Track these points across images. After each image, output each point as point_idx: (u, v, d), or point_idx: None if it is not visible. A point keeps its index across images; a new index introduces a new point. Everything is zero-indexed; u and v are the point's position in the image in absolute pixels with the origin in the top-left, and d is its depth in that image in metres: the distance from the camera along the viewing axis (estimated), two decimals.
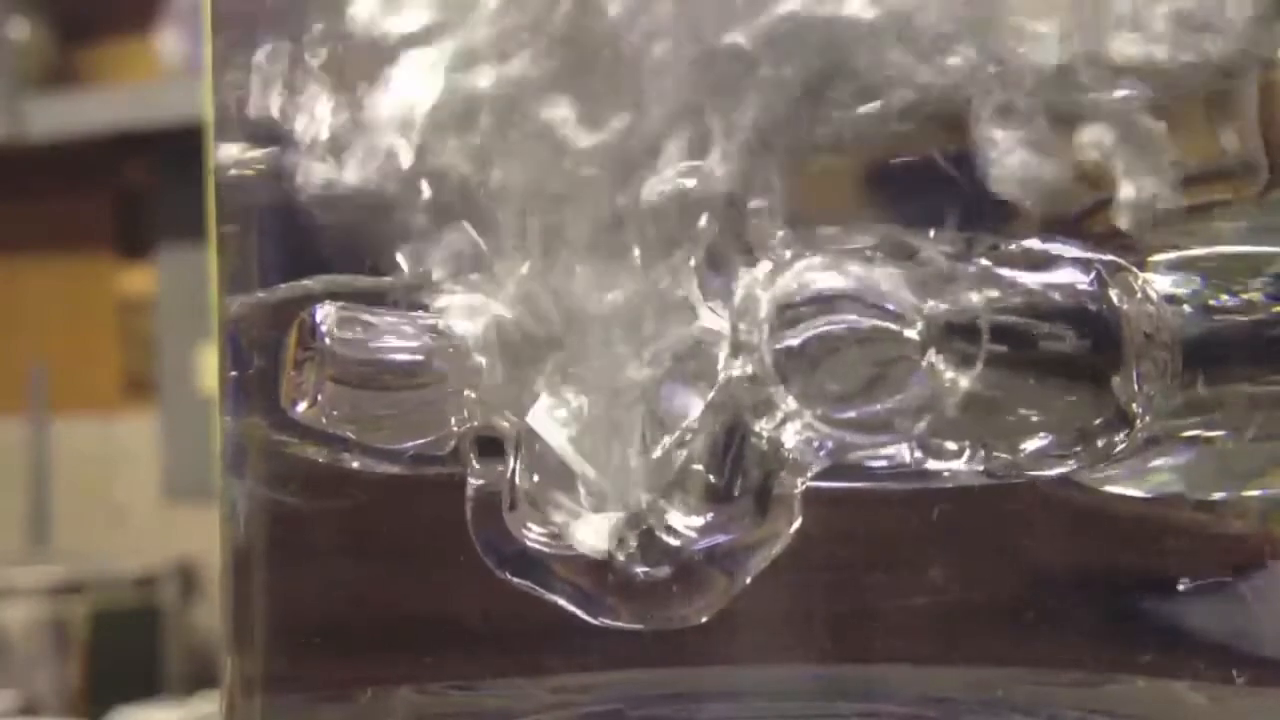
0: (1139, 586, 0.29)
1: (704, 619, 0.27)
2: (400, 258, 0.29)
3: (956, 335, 0.26)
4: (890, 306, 0.26)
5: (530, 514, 0.27)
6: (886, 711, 0.29)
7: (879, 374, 0.26)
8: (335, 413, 0.29)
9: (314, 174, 0.29)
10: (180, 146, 1.39)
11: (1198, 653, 0.29)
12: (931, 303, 0.26)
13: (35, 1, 1.80)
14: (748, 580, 0.27)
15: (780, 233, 0.27)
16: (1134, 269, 0.27)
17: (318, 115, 0.29)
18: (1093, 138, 0.27)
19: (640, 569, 0.27)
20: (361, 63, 0.29)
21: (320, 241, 0.29)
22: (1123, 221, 0.27)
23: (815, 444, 0.27)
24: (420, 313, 0.28)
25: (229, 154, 0.31)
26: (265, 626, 0.31)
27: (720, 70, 0.27)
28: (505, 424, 0.28)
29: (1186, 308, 0.28)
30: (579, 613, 0.28)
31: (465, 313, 0.28)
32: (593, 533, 0.27)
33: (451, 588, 0.29)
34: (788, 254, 0.27)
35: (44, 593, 1.58)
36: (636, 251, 0.27)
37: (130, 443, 1.80)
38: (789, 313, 0.26)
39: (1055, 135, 0.27)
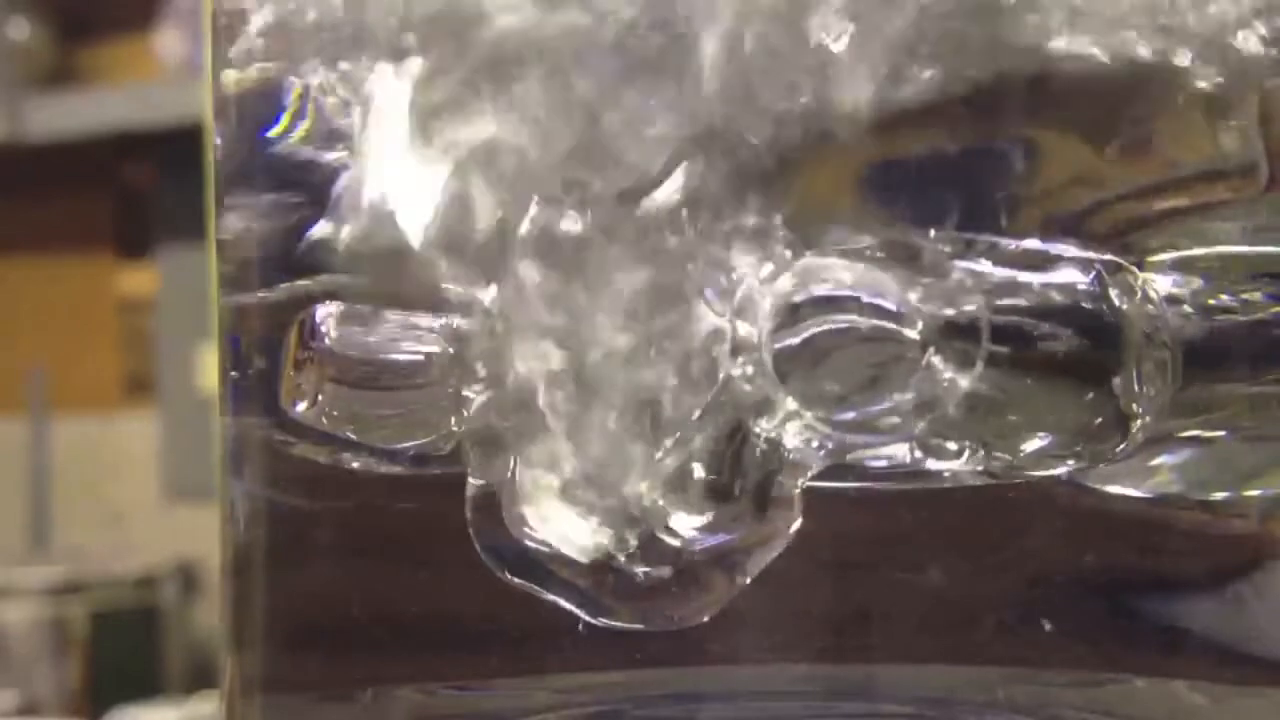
0: (1139, 586, 0.29)
1: (704, 619, 0.27)
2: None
3: (956, 335, 0.26)
4: (890, 306, 0.26)
5: (530, 514, 0.27)
6: (886, 711, 0.29)
7: (879, 374, 0.26)
8: (335, 413, 0.29)
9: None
10: (180, 146, 1.39)
11: (1198, 653, 0.29)
12: (931, 303, 0.26)
13: (35, 1, 1.80)
14: (748, 580, 0.27)
15: (780, 233, 0.27)
16: (1134, 269, 0.27)
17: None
18: None
19: (640, 569, 0.27)
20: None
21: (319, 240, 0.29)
22: None
23: (815, 444, 0.27)
24: (420, 313, 0.28)
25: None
26: (265, 626, 0.31)
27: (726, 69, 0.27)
28: (505, 424, 0.28)
29: (1186, 308, 0.28)
30: (579, 613, 0.28)
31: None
32: (583, 536, 0.27)
33: (451, 588, 0.29)
34: (788, 254, 0.27)
35: (44, 593, 1.58)
36: (637, 251, 0.27)
37: (130, 443, 1.80)
38: (789, 313, 0.26)
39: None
